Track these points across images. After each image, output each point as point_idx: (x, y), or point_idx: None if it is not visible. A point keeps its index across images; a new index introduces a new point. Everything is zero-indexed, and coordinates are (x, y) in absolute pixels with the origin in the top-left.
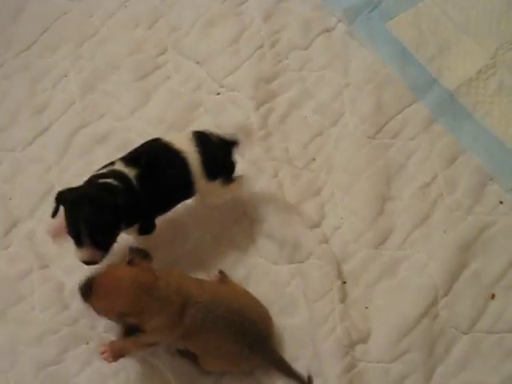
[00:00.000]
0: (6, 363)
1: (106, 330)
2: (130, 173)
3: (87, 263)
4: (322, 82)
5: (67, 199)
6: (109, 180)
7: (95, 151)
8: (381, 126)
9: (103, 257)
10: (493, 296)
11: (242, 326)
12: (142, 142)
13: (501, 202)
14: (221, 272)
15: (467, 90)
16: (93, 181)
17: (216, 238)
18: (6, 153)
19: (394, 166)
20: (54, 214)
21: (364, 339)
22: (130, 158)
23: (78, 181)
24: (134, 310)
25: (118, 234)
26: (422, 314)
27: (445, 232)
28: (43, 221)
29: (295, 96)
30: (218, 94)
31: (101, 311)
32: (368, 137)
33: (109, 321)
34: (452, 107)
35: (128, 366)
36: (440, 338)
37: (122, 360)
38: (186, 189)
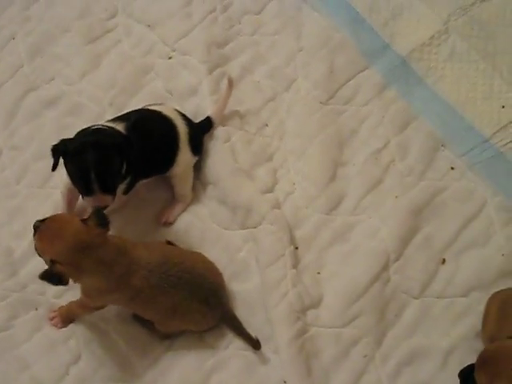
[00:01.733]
0: None
1: (55, 295)
2: (118, 126)
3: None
4: (275, 47)
5: (68, 150)
6: (98, 126)
7: (44, 115)
8: (333, 91)
9: (113, 200)
10: (443, 261)
11: (196, 283)
12: (93, 106)
13: (452, 168)
14: (168, 242)
15: (419, 55)
16: (84, 131)
17: (168, 202)
18: None
19: (347, 131)
20: (55, 167)
21: (316, 304)
22: (117, 118)
23: (26, 145)
24: (66, 261)
25: (121, 174)
26: (373, 278)
27: (397, 197)
28: None
29: (248, 60)
30: (170, 57)
31: (38, 251)
32: (320, 102)
33: (58, 287)
34: (404, 73)
35: (78, 332)
36: (391, 302)
37: (71, 326)
38: (170, 153)
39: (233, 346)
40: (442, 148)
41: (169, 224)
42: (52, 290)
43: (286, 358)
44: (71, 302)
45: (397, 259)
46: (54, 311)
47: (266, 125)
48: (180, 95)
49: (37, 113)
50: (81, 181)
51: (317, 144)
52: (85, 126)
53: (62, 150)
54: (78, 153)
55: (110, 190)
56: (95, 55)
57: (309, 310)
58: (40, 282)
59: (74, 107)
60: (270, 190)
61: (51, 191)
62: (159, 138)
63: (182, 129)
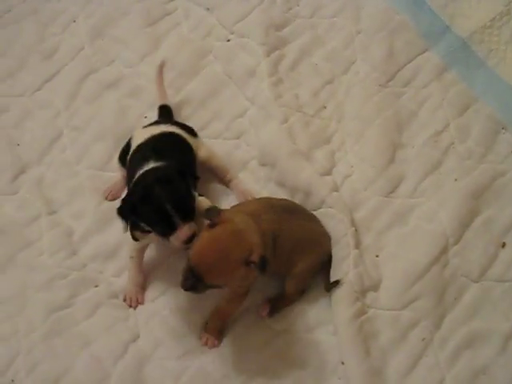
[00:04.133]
0: (14, 308)
1: (114, 274)
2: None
3: (188, 242)
4: (334, 30)
5: (136, 199)
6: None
7: (104, 97)
8: (392, 73)
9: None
10: (503, 244)
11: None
12: (152, 88)
13: None
14: None
15: (480, 37)
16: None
17: (225, 185)
18: (14, 98)
19: (406, 114)
20: (126, 228)
21: (375, 287)
22: (144, 160)
23: (87, 126)
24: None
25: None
26: (432, 261)
27: (456, 180)
28: (51, 166)
29: (306, 43)
30: (228, 40)
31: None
32: (379, 85)
33: (117, 265)
34: (465, 55)
35: (137, 311)
36: (450, 285)
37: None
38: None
39: (292, 328)
40: (503, 131)
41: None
42: (111, 268)
43: (344, 338)
44: (216, 312)
45: (456, 242)
46: (204, 334)
47: (324, 107)
48: (238, 77)
49: (97, 95)
50: (162, 220)
51: (375, 126)
52: (144, 108)
53: (129, 207)
54: (148, 196)
55: (190, 216)
56: (154, 38)
57: (368, 292)
58: (100, 261)
59: (134, 89)
60: (328, 173)
61: (110, 174)
62: (183, 150)
63: (180, 131)
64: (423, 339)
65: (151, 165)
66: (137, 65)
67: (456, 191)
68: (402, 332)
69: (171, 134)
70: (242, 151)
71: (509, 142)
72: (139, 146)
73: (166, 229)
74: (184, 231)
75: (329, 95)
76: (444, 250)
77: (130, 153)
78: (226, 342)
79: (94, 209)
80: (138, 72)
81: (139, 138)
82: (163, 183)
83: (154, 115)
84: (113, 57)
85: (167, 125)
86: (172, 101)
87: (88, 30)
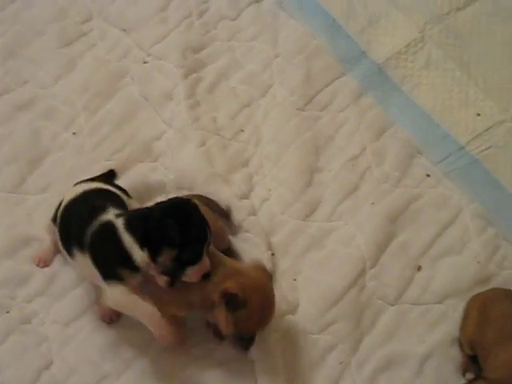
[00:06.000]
0: None
1: (26, 300)
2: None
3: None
4: (251, 53)
5: (175, 222)
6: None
7: (17, 118)
8: (310, 97)
9: None
10: (419, 268)
11: None
12: (67, 109)
13: (428, 175)
14: None
15: (396, 63)
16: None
17: None
18: None
19: (323, 137)
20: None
21: (293, 310)
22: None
23: None
24: None
25: None
26: (349, 285)
27: (373, 204)
28: None
29: (224, 66)
30: (145, 62)
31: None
32: (297, 108)
33: (29, 291)
34: (381, 80)
35: (50, 338)
36: (367, 309)
37: (43, 331)
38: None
39: (212, 355)
40: (418, 155)
41: None
42: (23, 294)
43: (261, 363)
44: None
45: (373, 266)
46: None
47: (242, 130)
48: (155, 100)
49: (10, 116)
50: (197, 244)
51: (293, 150)
52: (59, 130)
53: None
54: (188, 222)
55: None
56: (69, 59)
57: (286, 316)
58: (11, 286)
59: (48, 111)
60: (246, 196)
61: (23, 196)
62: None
63: (116, 190)
64: (341, 363)
65: (112, 211)
66: (51, 86)
67: (373, 215)
68: (319, 356)
69: (108, 191)
70: (159, 174)
71: (424, 166)
72: (74, 200)
73: (194, 256)
74: (205, 265)
75: (246, 118)
76: (361, 274)
77: (62, 208)
78: (141, 368)
79: (5, 233)
80: (53, 93)
81: (71, 193)
82: (188, 214)
83: (67, 136)
84: (26, 77)
85: (101, 183)
86: (87, 123)
87: (0, 50)
